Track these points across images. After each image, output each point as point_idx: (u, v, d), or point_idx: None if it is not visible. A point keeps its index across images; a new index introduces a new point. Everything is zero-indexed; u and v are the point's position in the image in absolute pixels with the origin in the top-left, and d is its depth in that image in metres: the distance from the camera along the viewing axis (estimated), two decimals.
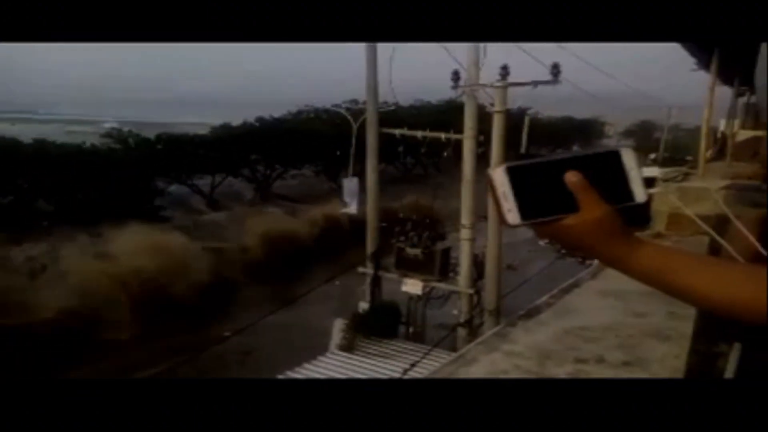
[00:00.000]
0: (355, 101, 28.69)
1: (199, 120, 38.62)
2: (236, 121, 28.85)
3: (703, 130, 10.12)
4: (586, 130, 61.68)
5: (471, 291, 9.01)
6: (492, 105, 8.62)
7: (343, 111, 29.19)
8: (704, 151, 9.87)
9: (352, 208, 10.35)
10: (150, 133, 24.57)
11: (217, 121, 29.28)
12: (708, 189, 5.70)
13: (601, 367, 2.64)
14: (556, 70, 8.08)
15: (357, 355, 8.72)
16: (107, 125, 29.23)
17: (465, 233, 9.12)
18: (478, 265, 9.09)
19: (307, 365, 8.25)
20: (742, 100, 18.28)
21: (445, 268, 9.47)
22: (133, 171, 21.37)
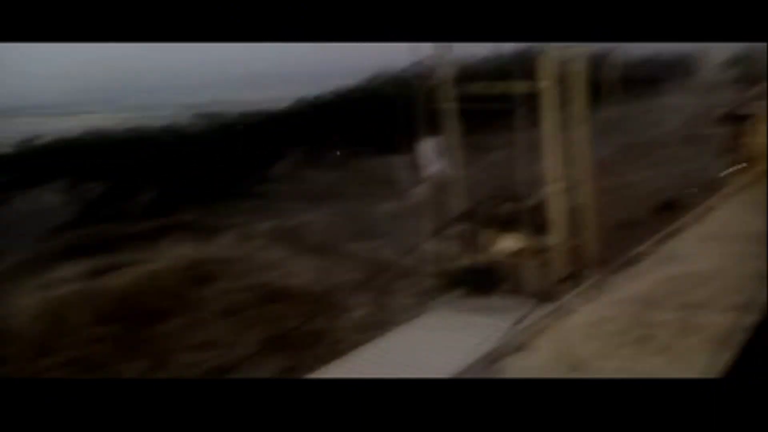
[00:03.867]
0: (421, 63, 28.21)
1: (273, 95, 39.53)
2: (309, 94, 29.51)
3: None
4: (679, 66, 57.38)
5: (569, 244, 8.80)
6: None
7: (412, 74, 28.89)
8: None
9: (436, 169, 10.28)
10: (226, 112, 25.66)
11: (290, 96, 30.07)
12: None
13: (706, 311, 2.59)
14: None
15: (458, 310, 8.84)
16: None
17: (554, 186, 8.91)
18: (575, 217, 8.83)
19: (410, 322, 8.46)
20: None
21: (539, 223, 9.29)
22: (222, 151, 22.43)
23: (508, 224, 9.15)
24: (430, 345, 7.42)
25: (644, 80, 50.33)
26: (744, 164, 5.81)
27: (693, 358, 2.26)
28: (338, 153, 29.56)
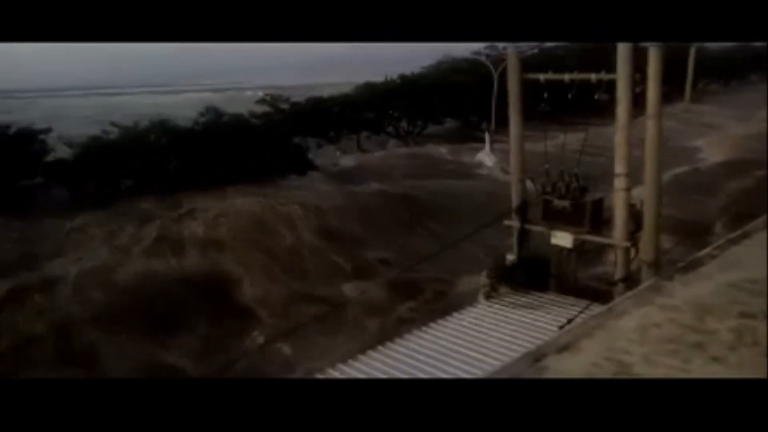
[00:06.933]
0: (494, 47, 27.75)
1: (342, 80, 40.10)
2: (377, 78, 29.68)
3: None
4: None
5: (627, 244, 8.46)
6: None
7: (482, 59, 28.41)
8: None
9: (494, 158, 10.07)
10: (295, 95, 26.26)
11: (359, 79, 30.42)
12: None
13: (765, 322, 2.43)
14: None
15: (505, 305, 8.74)
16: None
17: (619, 182, 8.56)
18: (635, 216, 8.48)
19: (455, 314, 8.43)
20: None
21: (597, 220, 8.96)
22: (287, 133, 22.96)
23: (565, 219, 8.85)
24: (474, 340, 7.35)
25: (731, 70, 47.37)
26: None
27: (746, 371, 2.14)
28: (404, 136, 29.69)
